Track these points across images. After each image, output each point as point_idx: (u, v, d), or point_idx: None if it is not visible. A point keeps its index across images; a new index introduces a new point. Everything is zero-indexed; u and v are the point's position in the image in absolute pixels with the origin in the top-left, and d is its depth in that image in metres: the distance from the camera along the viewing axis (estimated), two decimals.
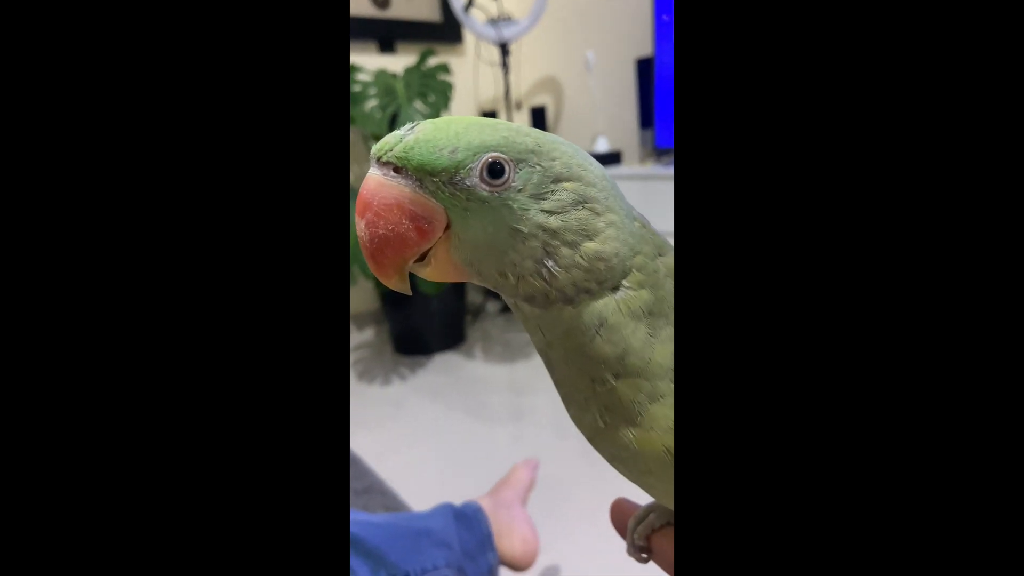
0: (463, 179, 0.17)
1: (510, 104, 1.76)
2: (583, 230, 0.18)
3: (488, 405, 1.32)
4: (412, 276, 0.19)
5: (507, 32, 1.68)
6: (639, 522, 0.25)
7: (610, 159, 1.64)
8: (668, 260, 0.20)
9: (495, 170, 0.17)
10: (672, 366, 0.19)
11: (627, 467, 0.20)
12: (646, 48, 1.54)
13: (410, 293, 0.20)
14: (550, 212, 0.17)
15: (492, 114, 1.93)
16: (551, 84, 2.04)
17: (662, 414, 0.18)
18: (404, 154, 0.17)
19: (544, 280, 0.18)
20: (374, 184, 0.18)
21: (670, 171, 1.31)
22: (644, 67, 1.55)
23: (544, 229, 0.17)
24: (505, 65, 1.73)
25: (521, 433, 1.18)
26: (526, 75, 2.04)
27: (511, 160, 0.17)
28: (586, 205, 0.18)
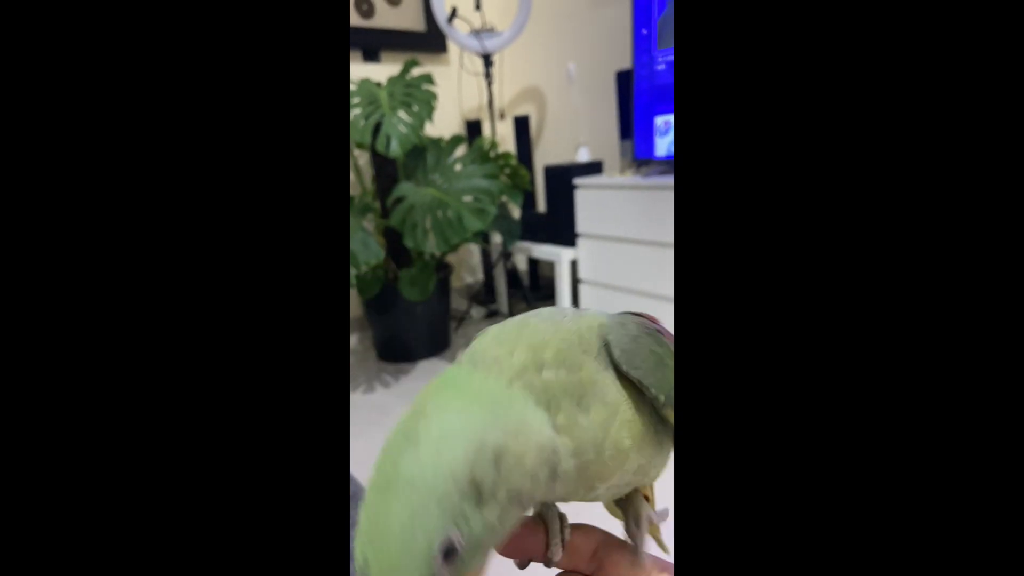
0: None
1: (493, 114, 1.78)
2: (519, 495, 0.18)
3: None
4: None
5: (490, 43, 1.71)
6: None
7: (591, 169, 1.67)
8: (580, 333, 0.20)
9: (450, 552, 0.16)
10: (615, 399, 0.20)
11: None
12: (626, 61, 1.58)
13: None
14: (502, 510, 0.18)
15: (477, 123, 1.95)
16: (534, 94, 2.07)
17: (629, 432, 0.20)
18: None
19: (520, 512, 0.18)
20: None
21: (649, 181, 1.34)
22: (624, 79, 1.59)
23: (495, 528, 0.18)
24: (488, 75, 1.76)
25: None
26: (509, 85, 2.07)
27: (455, 530, 0.16)
28: (520, 494, 0.18)
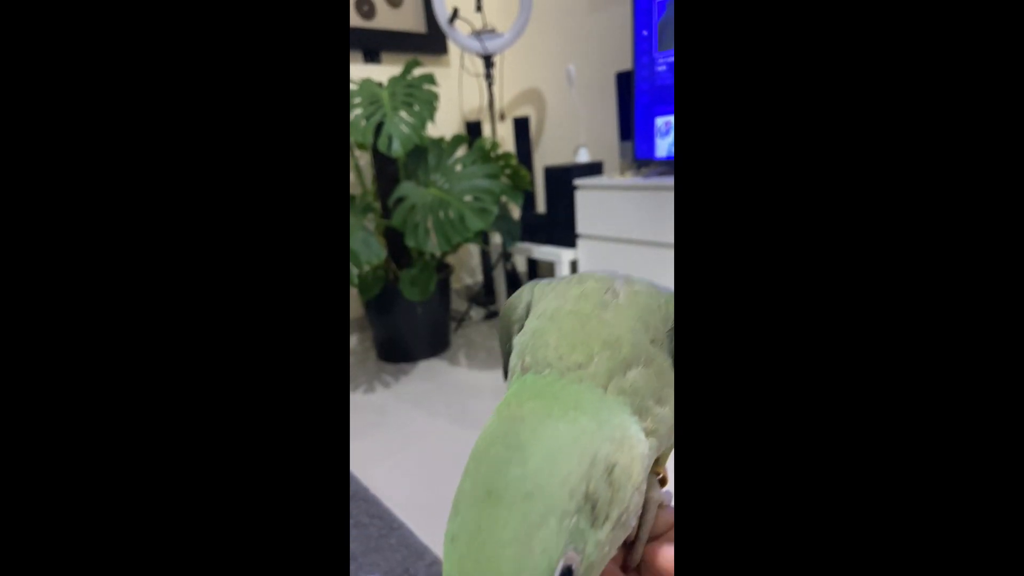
0: None
1: (494, 115, 1.79)
2: (627, 513, 0.17)
3: (472, 411, 1.33)
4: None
5: (491, 44, 1.71)
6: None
7: (591, 170, 1.67)
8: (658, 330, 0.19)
9: (567, 574, 0.15)
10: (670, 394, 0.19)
11: None
12: (626, 62, 1.59)
13: None
14: (612, 531, 0.16)
15: (477, 125, 1.95)
16: (534, 96, 2.08)
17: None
18: None
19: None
20: None
21: (649, 182, 1.35)
22: (624, 81, 1.59)
23: (604, 552, 0.16)
24: (489, 76, 1.76)
25: None
26: (509, 87, 2.07)
27: (573, 549, 0.15)
28: (629, 511, 0.17)
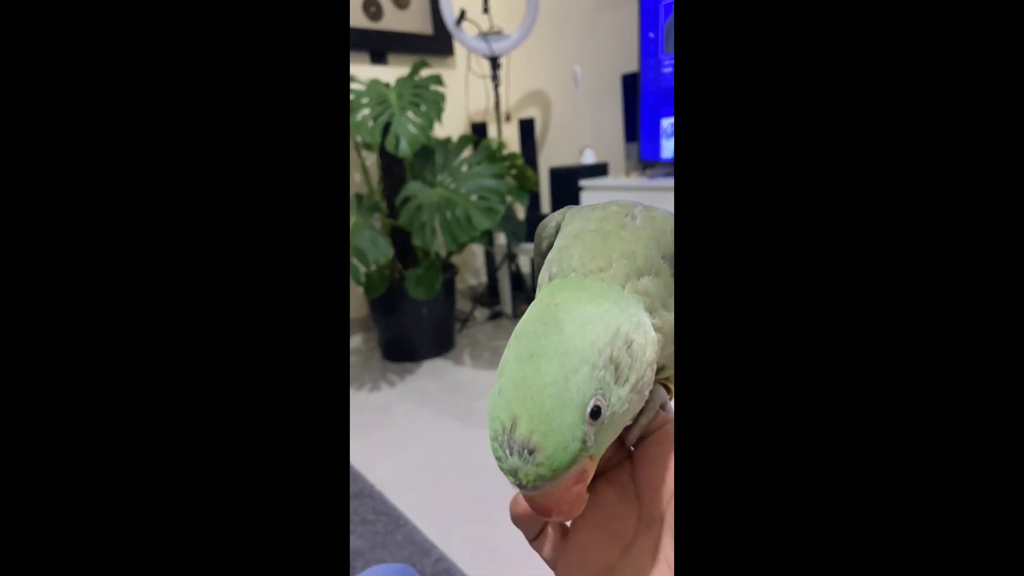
0: (588, 440, 0.18)
1: (500, 116, 1.80)
2: (642, 383, 0.19)
3: (476, 410, 1.34)
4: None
5: (498, 46, 1.72)
6: None
7: (597, 171, 1.68)
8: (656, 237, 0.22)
9: (596, 413, 0.18)
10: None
11: None
12: (632, 64, 1.59)
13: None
14: (630, 393, 0.19)
15: (482, 126, 1.96)
16: (539, 97, 2.08)
17: None
18: (542, 481, 0.18)
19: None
20: (540, 500, 0.19)
21: (655, 183, 1.35)
22: (630, 82, 1.60)
23: (625, 409, 0.19)
24: (495, 78, 1.77)
25: None
26: (515, 88, 2.08)
27: (601, 395, 0.18)
28: (643, 382, 0.19)
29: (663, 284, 0.21)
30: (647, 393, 0.20)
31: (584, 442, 0.17)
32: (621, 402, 0.18)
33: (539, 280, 0.23)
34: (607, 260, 0.21)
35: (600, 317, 0.19)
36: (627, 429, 0.23)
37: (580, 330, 0.18)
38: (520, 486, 0.18)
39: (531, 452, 0.17)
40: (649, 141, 1.47)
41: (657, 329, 0.21)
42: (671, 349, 0.22)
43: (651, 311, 0.21)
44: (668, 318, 0.21)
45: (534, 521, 0.23)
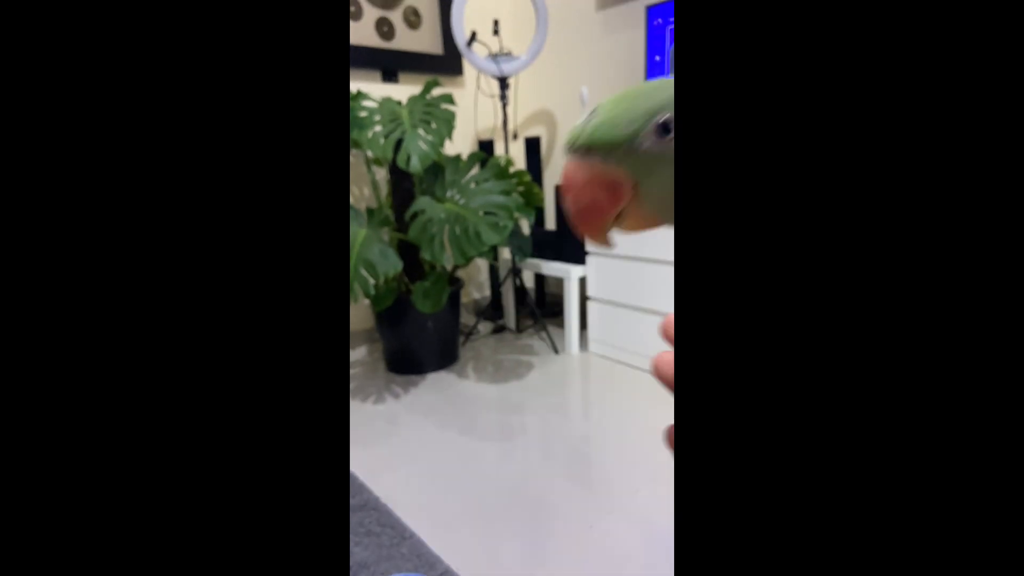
0: (641, 143, 0.19)
1: (507, 134, 1.83)
2: None
3: (480, 423, 1.34)
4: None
5: (507, 67, 1.77)
6: None
7: None
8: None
9: (666, 128, 0.19)
10: None
11: None
12: None
13: (613, 247, 0.24)
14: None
15: (489, 143, 2.00)
16: (546, 116, 2.13)
17: None
18: (590, 140, 0.20)
19: None
20: (571, 168, 0.21)
21: None
22: None
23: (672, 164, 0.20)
24: (504, 97, 1.81)
25: (510, 451, 1.20)
26: (523, 107, 2.13)
27: (671, 118, 0.19)
28: None
29: None
30: None
31: (636, 140, 0.19)
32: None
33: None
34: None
35: (670, 84, 0.20)
36: None
37: (658, 84, 0.20)
38: (568, 145, 0.20)
39: (592, 115, 0.20)
40: None
41: None
42: None
43: None
44: None
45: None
